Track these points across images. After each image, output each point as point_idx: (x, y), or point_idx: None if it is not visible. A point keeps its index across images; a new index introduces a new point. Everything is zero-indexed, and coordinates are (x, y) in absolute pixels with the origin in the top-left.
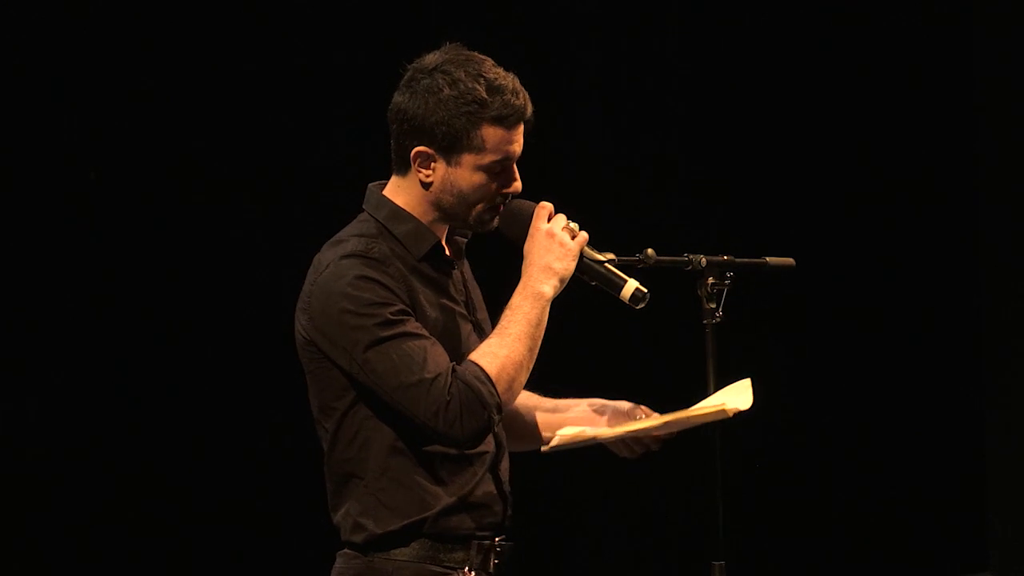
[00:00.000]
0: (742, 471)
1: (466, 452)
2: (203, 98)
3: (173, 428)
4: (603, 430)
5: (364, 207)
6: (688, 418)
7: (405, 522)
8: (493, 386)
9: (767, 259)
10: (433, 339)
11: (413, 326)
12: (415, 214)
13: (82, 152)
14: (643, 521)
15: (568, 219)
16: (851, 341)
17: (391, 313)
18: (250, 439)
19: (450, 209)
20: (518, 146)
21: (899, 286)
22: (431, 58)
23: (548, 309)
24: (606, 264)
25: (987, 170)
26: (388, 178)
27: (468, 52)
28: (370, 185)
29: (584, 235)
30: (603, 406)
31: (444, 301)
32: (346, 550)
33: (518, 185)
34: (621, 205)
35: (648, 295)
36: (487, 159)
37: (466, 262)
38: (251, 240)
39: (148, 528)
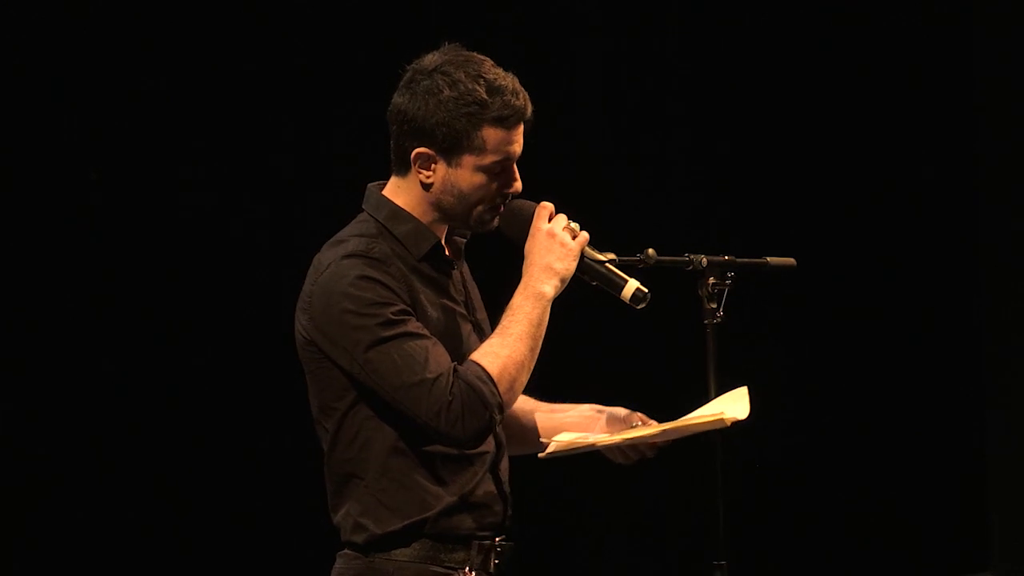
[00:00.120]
0: (742, 471)
1: (467, 452)
2: (203, 98)
3: (173, 428)
4: (600, 436)
5: (364, 207)
6: (686, 427)
7: (406, 522)
8: (495, 386)
9: (768, 259)
10: (434, 339)
11: (414, 326)
12: (415, 214)
13: (83, 152)
14: (643, 521)
15: (569, 219)
16: (851, 341)
17: (392, 313)
18: (250, 439)
19: (450, 209)
20: (518, 146)
21: (899, 286)
22: (431, 59)
23: (549, 309)
24: (607, 264)
25: (987, 170)
26: (387, 178)
27: (467, 52)
28: (369, 185)
29: (585, 235)
30: (599, 411)
31: (444, 301)
32: (346, 551)
33: (518, 185)
34: (621, 205)
35: (649, 295)
36: (488, 160)
37: (465, 262)
38: (251, 240)
39: (148, 528)
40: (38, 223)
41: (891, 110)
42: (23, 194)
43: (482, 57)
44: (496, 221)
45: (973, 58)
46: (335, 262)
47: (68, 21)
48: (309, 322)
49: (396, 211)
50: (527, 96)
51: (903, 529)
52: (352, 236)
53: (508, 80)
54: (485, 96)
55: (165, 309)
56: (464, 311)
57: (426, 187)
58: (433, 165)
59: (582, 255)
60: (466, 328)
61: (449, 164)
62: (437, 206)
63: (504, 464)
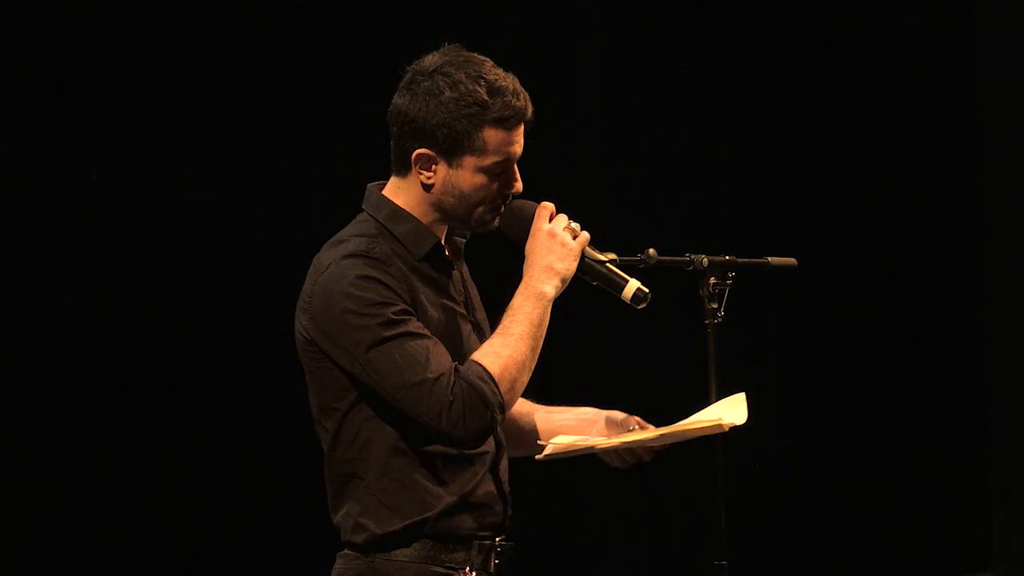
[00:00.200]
0: (743, 471)
1: (467, 452)
2: (203, 98)
3: (173, 428)
4: (598, 440)
5: (363, 207)
6: (684, 431)
7: (407, 522)
8: (496, 386)
9: (769, 259)
10: (435, 339)
11: (415, 326)
12: (415, 214)
13: (83, 153)
14: (643, 521)
15: (569, 219)
16: (852, 341)
17: (393, 313)
18: (250, 439)
19: (451, 210)
20: (519, 147)
21: (899, 286)
22: (431, 59)
23: (550, 309)
24: (607, 264)
25: (987, 170)
26: (387, 178)
27: (468, 53)
28: (369, 185)
29: (585, 235)
30: (596, 415)
31: (445, 301)
32: (346, 551)
33: (519, 186)
34: (621, 205)
35: (649, 295)
36: (488, 160)
37: (464, 263)
38: (251, 240)
39: (148, 528)
40: (39, 223)
41: (891, 110)
42: (24, 194)
43: (482, 58)
44: (497, 221)
45: (973, 58)
46: (336, 262)
47: (68, 21)
48: (309, 322)
49: (396, 211)
50: (527, 96)
51: (904, 529)
52: (352, 236)
53: (509, 81)
54: (486, 97)
55: (165, 309)
56: (464, 311)
57: (427, 188)
58: (434, 166)
59: (583, 255)
60: (466, 328)
61: (450, 165)
62: (438, 207)
63: (504, 464)
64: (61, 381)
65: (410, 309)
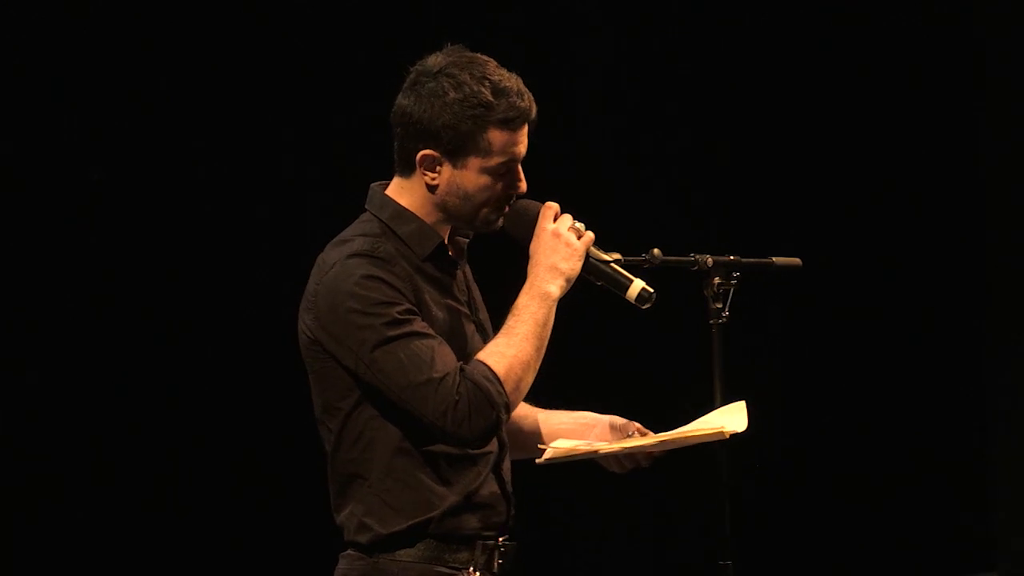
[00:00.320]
0: (745, 471)
1: (470, 452)
2: (203, 98)
3: (174, 428)
4: (599, 444)
5: (367, 207)
6: (684, 438)
7: (410, 522)
8: (501, 385)
9: (773, 259)
10: (440, 339)
11: (420, 325)
12: (419, 215)
13: (84, 153)
14: (645, 522)
15: (574, 219)
16: (853, 340)
17: (398, 312)
18: (252, 439)
19: (456, 211)
20: (523, 147)
21: (901, 286)
22: (434, 60)
23: (555, 309)
24: (612, 264)
25: (988, 170)
26: (389, 178)
27: (471, 54)
28: (373, 185)
29: (590, 235)
30: (595, 419)
31: (449, 301)
32: (350, 551)
33: (523, 186)
34: (623, 205)
35: (654, 295)
36: (493, 161)
37: (467, 263)
38: (251, 240)
39: (149, 528)
40: (39, 223)
41: (893, 110)
42: (24, 194)
43: (486, 58)
44: (501, 222)
45: (974, 58)
46: (340, 261)
47: (68, 21)
48: (314, 321)
49: (400, 211)
50: (531, 97)
51: (908, 529)
52: (356, 236)
53: (513, 81)
54: (490, 98)
55: (165, 309)
56: (467, 311)
57: (431, 188)
58: (438, 167)
59: (587, 255)
60: (470, 328)
61: (454, 166)
62: (442, 207)
63: (507, 464)
64: (61, 381)
65: (415, 309)
